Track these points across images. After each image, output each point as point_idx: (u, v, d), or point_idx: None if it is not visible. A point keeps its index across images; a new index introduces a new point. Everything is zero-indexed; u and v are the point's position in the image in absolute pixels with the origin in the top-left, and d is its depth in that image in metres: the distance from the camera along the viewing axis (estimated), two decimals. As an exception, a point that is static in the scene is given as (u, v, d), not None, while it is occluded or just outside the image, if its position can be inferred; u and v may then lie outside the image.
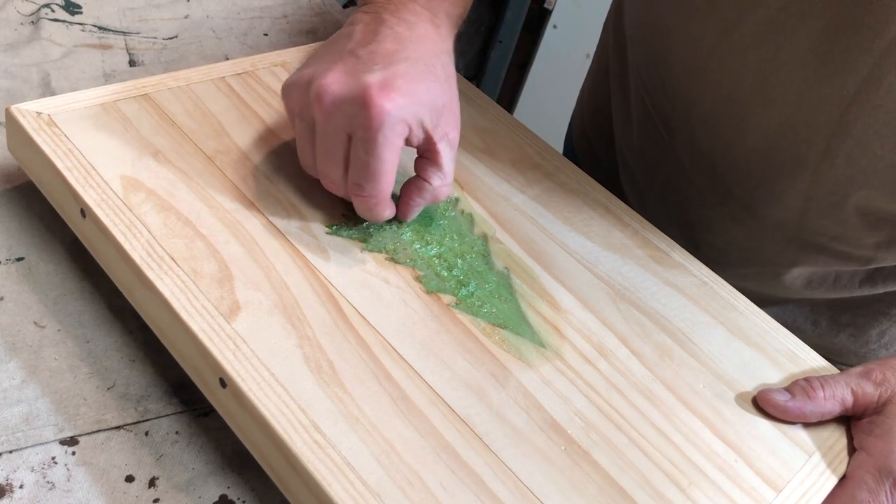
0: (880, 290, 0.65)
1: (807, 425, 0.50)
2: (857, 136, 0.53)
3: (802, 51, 0.52)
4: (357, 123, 0.47)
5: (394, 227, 0.54)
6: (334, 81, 0.47)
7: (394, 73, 0.47)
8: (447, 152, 0.51)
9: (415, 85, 0.48)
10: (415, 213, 0.53)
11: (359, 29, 0.51)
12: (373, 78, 0.47)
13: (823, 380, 0.50)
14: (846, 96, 0.52)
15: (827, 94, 0.52)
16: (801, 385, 0.50)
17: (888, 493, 0.46)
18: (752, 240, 0.65)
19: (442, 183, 0.52)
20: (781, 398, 0.49)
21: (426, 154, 0.51)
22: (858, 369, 0.51)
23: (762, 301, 0.58)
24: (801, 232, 0.61)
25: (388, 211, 0.51)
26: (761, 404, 0.50)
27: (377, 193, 0.49)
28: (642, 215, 0.61)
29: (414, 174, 0.53)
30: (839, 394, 0.49)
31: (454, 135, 0.51)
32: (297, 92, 0.50)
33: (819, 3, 0.51)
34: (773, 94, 0.55)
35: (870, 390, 0.49)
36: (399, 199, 0.53)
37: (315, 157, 0.50)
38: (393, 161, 0.48)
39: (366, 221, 0.53)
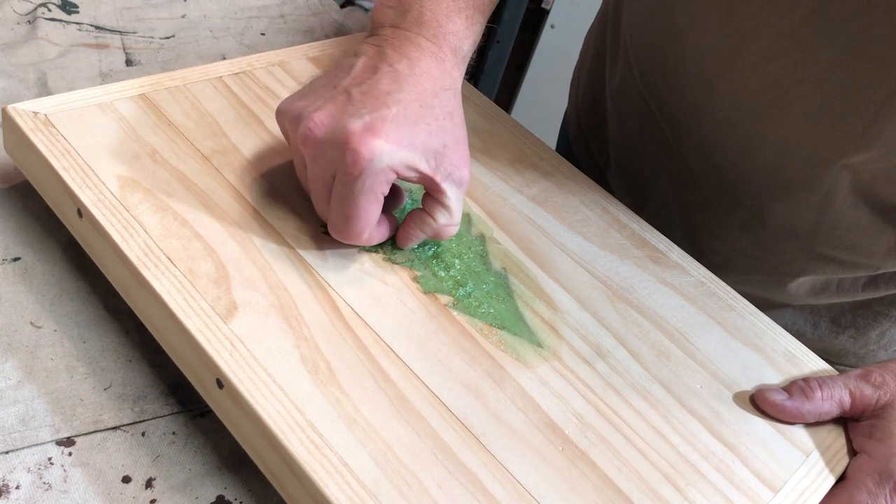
0: (882, 292, 0.65)
1: (804, 426, 0.50)
2: (878, 149, 0.52)
3: (825, 64, 0.51)
4: (338, 168, 0.46)
5: (391, 227, 0.53)
6: (320, 124, 0.46)
7: (382, 117, 0.46)
8: (453, 191, 0.49)
9: (405, 129, 0.47)
10: (413, 243, 0.52)
11: (360, 63, 0.50)
12: (357, 124, 0.46)
13: (822, 380, 0.50)
14: (871, 109, 0.51)
15: (850, 109, 0.51)
16: (800, 385, 0.50)
17: (888, 496, 0.46)
18: (760, 248, 0.64)
19: (448, 222, 0.50)
20: (779, 397, 0.49)
21: (431, 192, 0.50)
22: (857, 371, 0.51)
23: (762, 305, 0.58)
24: (813, 243, 0.61)
25: (369, 240, 0.50)
26: (759, 403, 0.50)
27: (352, 238, 0.49)
28: (642, 218, 0.61)
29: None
30: (837, 395, 0.49)
31: (461, 173, 0.49)
32: (289, 124, 0.49)
33: (842, 16, 0.49)
34: (792, 108, 0.54)
35: (868, 392, 0.49)
36: (402, 224, 0.52)
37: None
38: (371, 209, 0.47)
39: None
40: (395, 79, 0.48)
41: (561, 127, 0.89)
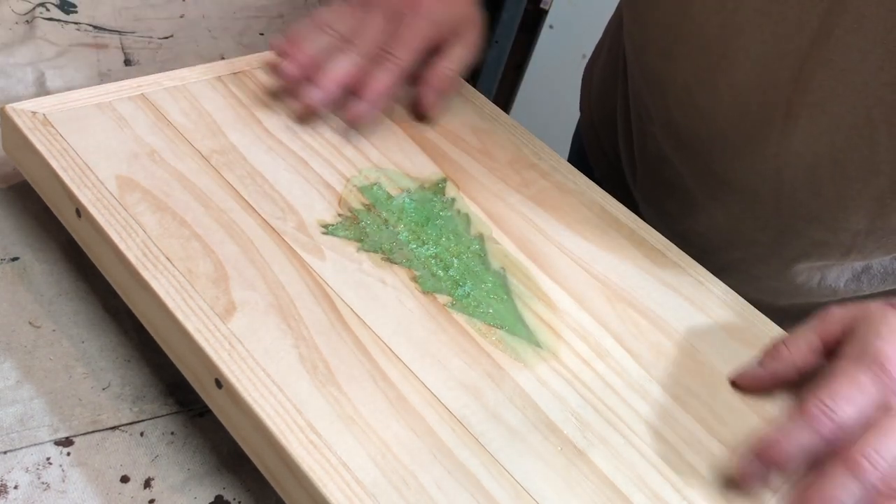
0: (866, 290, 0.64)
1: None
2: (814, 93, 0.53)
3: (753, 12, 0.53)
4: None
5: (389, 227, 0.54)
6: None
7: None
8: None
9: None
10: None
11: None
12: None
13: (786, 337, 0.50)
14: (802, 52, 0.52)
15: (785, 51, 0.53)
16: (767, 351, 0.50)
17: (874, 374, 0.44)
18: (730, 218, 0.64)
19: None
20: (751, 370, 0.50)
21: None
22: (820, 313, 0.50)
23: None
24: (778, 208, 0.61)
25: None
26: (739, 384, 0.49)
27: None
28: (650, 209, 0.61)
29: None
30: (803, 341, 0.49)
31: None
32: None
33: None
34: (737, 58, 0.56)
35: (833, 320, 0.48)
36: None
37: None
38: None
39: (362, 221, 0.53)
40: None
41: (576, 128, 0.90)
